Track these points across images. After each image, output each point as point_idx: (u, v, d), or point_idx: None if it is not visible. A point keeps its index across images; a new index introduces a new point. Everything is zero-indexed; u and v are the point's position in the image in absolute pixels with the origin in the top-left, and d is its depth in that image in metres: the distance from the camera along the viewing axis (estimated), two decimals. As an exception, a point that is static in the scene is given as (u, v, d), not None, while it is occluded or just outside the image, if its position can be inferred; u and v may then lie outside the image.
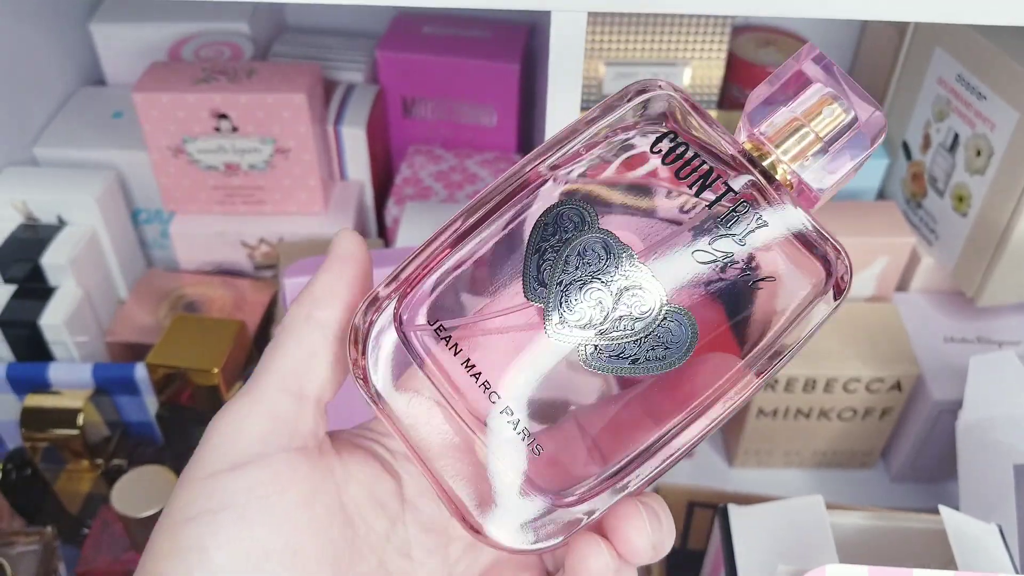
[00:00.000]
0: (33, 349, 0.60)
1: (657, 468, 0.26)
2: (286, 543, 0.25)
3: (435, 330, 0.26)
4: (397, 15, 0.75)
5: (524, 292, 0.26)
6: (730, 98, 0.72)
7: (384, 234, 0.70)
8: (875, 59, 0.68)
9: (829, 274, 0.26)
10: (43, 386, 0.58)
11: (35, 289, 0.60)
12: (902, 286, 0.65)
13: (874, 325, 0.61)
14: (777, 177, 0.26)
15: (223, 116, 0.61)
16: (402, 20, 0.74)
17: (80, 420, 0.55)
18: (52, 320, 0.58)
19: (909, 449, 0.62)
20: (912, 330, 0.62)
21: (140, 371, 0.57)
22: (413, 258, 0.28)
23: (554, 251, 0.26)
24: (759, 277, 0.25)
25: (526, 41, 0.72)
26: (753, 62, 0.70)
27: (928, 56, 0.60)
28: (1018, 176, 0.53)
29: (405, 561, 0.28)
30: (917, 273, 0.63)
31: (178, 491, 0.26)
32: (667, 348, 0.25)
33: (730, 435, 0.65)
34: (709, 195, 0.26)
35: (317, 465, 0.27)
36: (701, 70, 0.67)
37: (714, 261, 0.25)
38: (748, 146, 0.27)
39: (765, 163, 0.26)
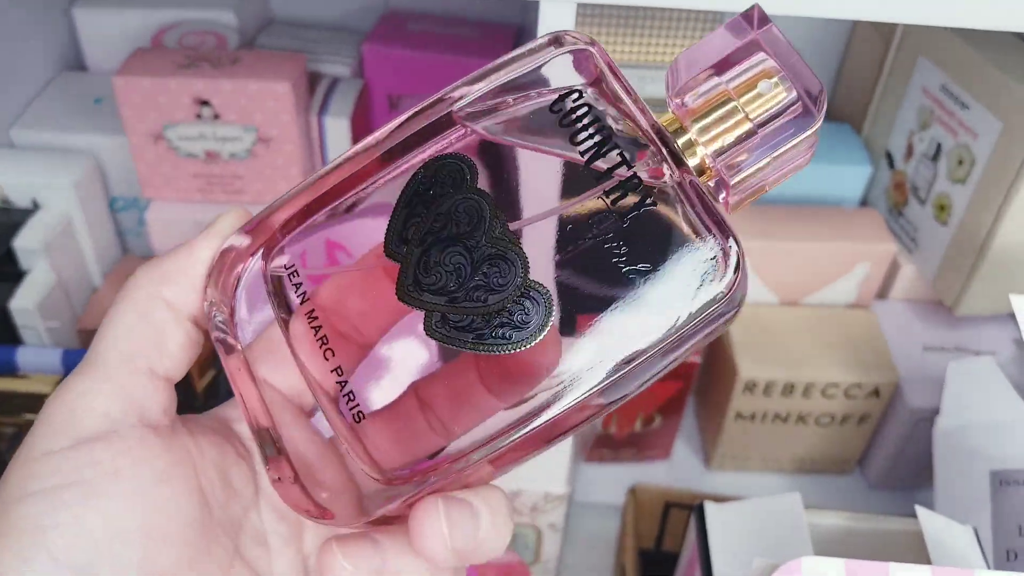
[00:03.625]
0: (2, 333, 0.58)
1: (492, 453, 0.23)
2: (141, 523, 0.23)
3: (289, 274, 0.25)
4: (385, 11, 0.75)
5: (385, 247, 0.24)
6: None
7: (365, 229, 0.70)
8: (860, 68, 0.69)
9: (724, 274, 0.23)
10: (11, 370, 0.57)
11: (6, 272, 0.59)
12: (882, 294, 0.65)
13: (854, 331, 0.61)
14: (687, 160, 0.23)
15: (205, 103, 0.60)
16: (390, 16, 0.74)
17: (48, 406, 0.54)
18: (23, 304, 0.57)
19: (886, 456, 0.62)
20: (891, 338, 0.62)
21: (112, 358, 0.56)
22: (294, 196, 0.25)
23: (424, 207, 0.23)
24: (636, 265, 0.23)
25: (513, 41, 0.72)
26: (739, 68, 0.70)
27: (913, 65, 0.61)
28: (999, 186, 0.53)
29: (261, 549, 0.26)
30: (897, 281, 0.64)
31: (11, 471, 0.23)
32: (516, 328, 0.22)
33: (707, 438, 0.65)
34: (602, 166, 0.23)
35: (171, 443, 0.25)
36: (687, 74, 0.67)
37: (592, 239, 0.23)
38: (668, 118, 0.24)
39: (680, 140, 0.24)
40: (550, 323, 0.23)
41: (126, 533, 0.22)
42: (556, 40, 0.25)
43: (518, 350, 0.23)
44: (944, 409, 0.52)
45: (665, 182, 0.23)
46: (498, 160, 0.24)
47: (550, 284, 0.23)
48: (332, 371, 0.24)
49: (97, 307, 0.63)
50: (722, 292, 0.23)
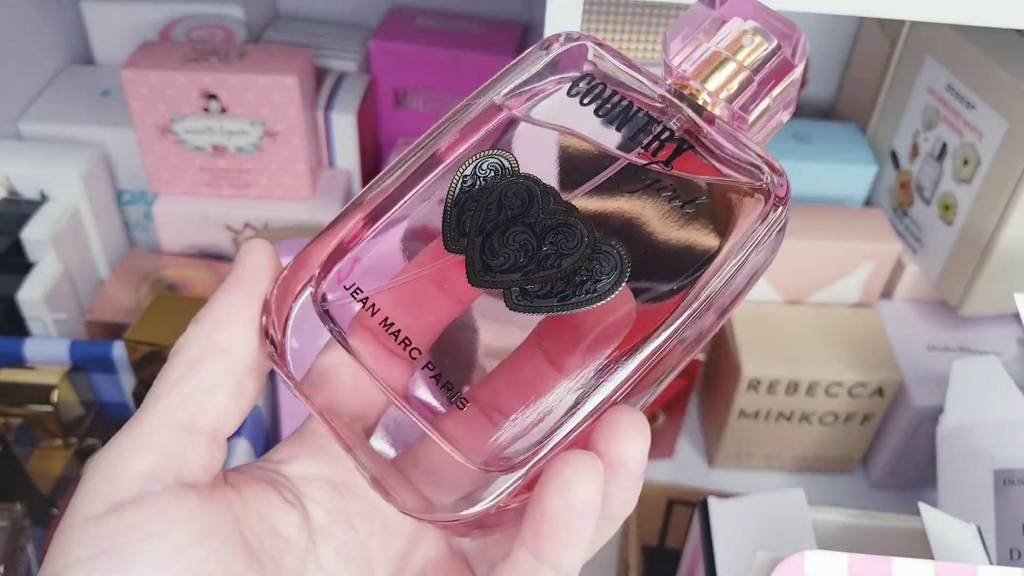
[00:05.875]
0: (10, 324, 0.59)
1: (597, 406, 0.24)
2: None
3: (351, 293, 0.25)
4: (392, 8, 0.75)
5: (445, 244, 0.25)
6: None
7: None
8: (866, 68, 0.69)
9: (767, 193, 0.25)
10: (18, 361, 0.57)
11: (14, 263, 0.59)
12: (887, 293, 0.65)
13: (857, 331, 0.61)
14: (707, 109, 0.26)
15: (213, 96, 0.60)
16: (396, 12, 0.74)
17: (54, 397, 0.54)
18: (30, 295, 0.58)
19: (889, 456, 0.62)
20: (895, 337, 0.62)
21: (118, 349, 0.56)
22: (331, 228, 0.26)
23: (474, 201, 0.25)
24: (689, 199, 0.25)
25: (520, 38, 0.72)
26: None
27: (919, 65, 0.61)
28: (1005, 186, 0.53)
29: None
30: (902, 281, 0.64)
31: (55, 540, 0.23)
32: (597, 280, 0.24)
33: (710, 436, 0.65)
34: (632, 128, 0.25)
35: (210, 499, 0.24)
36: (694, 72, 0.67)
37: (643, 189, 0.25)
38: (676, 84, 0.27)
39: (692, 98, 0.26)
40: (628, 270, 0.24)
41: None
42: (555, 40, 0.27)
43: (605, 301, 0.23)
44: (948, 408, 0.52)
45: (687, 129, 0.26)
46: (534, 146, 0.26)
47: (614, 234, 0.24)
48: (424, 367, 0.24)
49: (104, 299, 0.63)
50: (776, 217, 0.25)
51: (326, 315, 0.25)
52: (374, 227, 0.26)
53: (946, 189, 0.58)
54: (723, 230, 0.25)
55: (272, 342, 0.25)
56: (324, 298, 0.26)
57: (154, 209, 0.65)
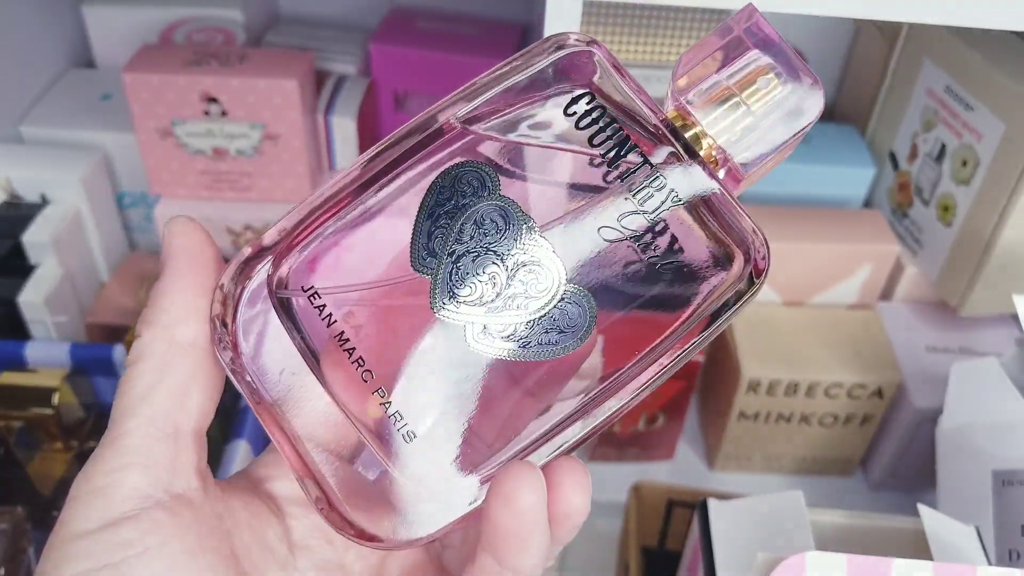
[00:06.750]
0: (11, 327, 0.59)
1: (547, 455, 0.24)
2: None
3: (309, 297, 0.23)
4: (391, 10, 0.75)
5: (411, 262, 0.23)
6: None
7: (371, 226, 0.70)
8: (865, 70, 0.69)
9: (747, 257, 0.24)
10: (19, 364, 0.57)
11: (15, 267, 0.59)
12: (886, 295, 0.65)
13: (857, 332, 0.61)
14: (701, 152, 0.24)
15: (213, 100, 0.60)
16: (396, 14, 0.74)
17: (55, 399, 0.54)
18: (31, 298, 0.58)
19: (889, 457, 0.62)
20: (895, 339, 0.62)
21: (119, 352, 0.56)
22: (299, 210, 0.24)
23: (448, 217, 0.23)
24: (668, 261, 0.23)
25: (519, 40, 0.73)
26: (744, 69, 0.70)
27: (917, 67, 0.61)
28: (1003, 187, 0.53)
29: None
30: (901, 282, 0.64)
31: (46, 554, 0.23)
32: (561, 332, 0.23)
33: (710, 438, 0.65)
34: (623, 166, 0.23)
35: (202, 512, 0.24)
36: (693, 74, 0.67)
37: (622, 239, 0.23)
38: (672, 115, 0.25)
39: (688, 134, 0.24)
40: (593, 327, 0.23)
41: None
42: (558, 42, 0.25)
43: (565, 354, 0.23)
44: (947, 409, 0.52)
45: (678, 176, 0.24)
46: (509, 163, 0.24)
47: (585, 283, 0.23)
48: (374, 392, 0.23)
49: (104, 302, 0.63)
50: (744, 287, 0.24)
51: (282, 310, 0.24)
52: (343, 218, 0.24)
53: (945, 190, 0.58)
54: (695, 293, 0.23)
55: (227, 349, 0.24)
56: (283, 285, 0.24)
57: (156, 212, 0.65)
